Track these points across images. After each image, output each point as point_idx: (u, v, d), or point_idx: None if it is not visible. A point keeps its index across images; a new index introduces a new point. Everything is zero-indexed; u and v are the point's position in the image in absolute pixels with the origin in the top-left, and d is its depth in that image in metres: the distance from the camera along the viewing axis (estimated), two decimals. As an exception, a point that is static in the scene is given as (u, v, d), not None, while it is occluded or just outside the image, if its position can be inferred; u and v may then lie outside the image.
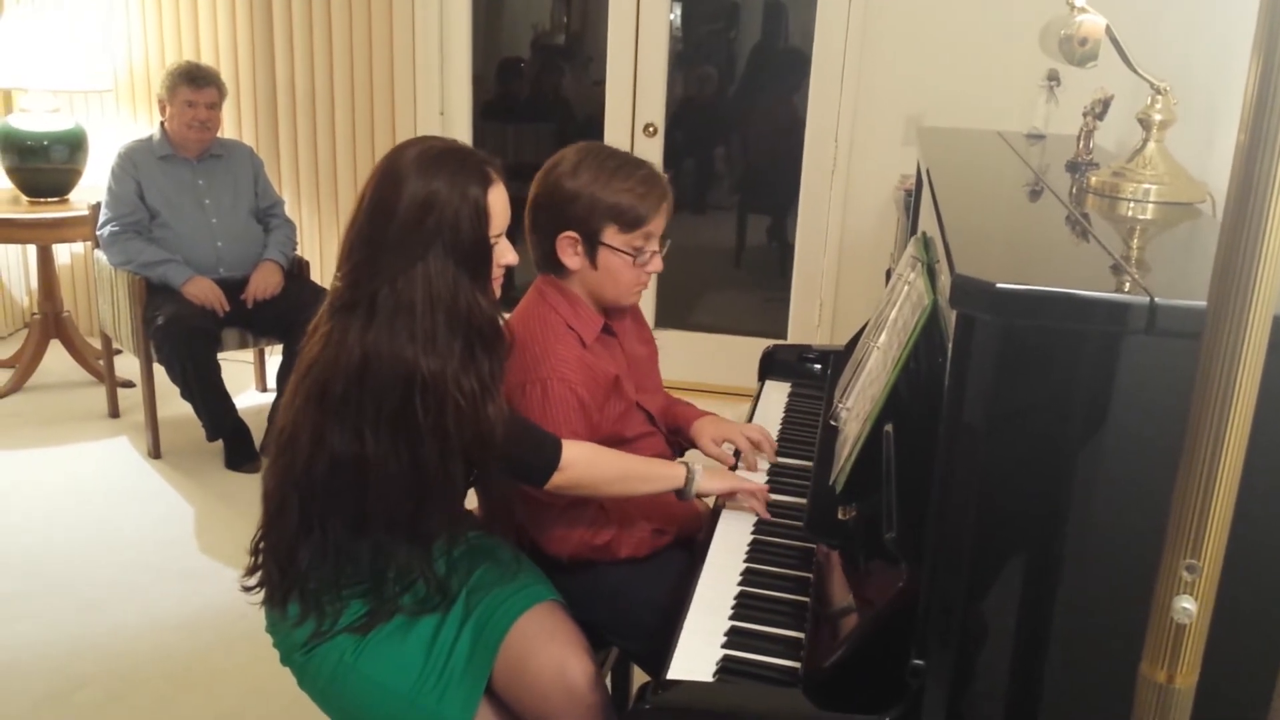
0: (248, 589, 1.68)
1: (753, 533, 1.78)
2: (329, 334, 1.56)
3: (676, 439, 2.09)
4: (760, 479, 1.93)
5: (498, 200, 1.59)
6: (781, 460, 2.03)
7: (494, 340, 1.59)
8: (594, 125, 4.48)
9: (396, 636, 1.63)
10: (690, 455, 2.03)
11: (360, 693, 1.62)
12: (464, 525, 1.76)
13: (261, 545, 1.66)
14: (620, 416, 1.87)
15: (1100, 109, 2.06)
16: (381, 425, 1.53)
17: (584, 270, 1.81)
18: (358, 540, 1.60)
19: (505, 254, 1.63)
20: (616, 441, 1.85)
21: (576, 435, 1.73)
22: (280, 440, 1.60)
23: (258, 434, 3.77)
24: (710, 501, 1.94)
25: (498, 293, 1.65)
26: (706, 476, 1.80)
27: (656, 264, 1.84)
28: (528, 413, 1.72)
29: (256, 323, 3.73)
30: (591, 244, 1.79)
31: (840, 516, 1.65)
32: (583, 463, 1.69)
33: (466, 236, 1.54)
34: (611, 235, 1.78)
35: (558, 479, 1.66)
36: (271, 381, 4.28)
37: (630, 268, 1.81)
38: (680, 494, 1.79)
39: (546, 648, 1.62)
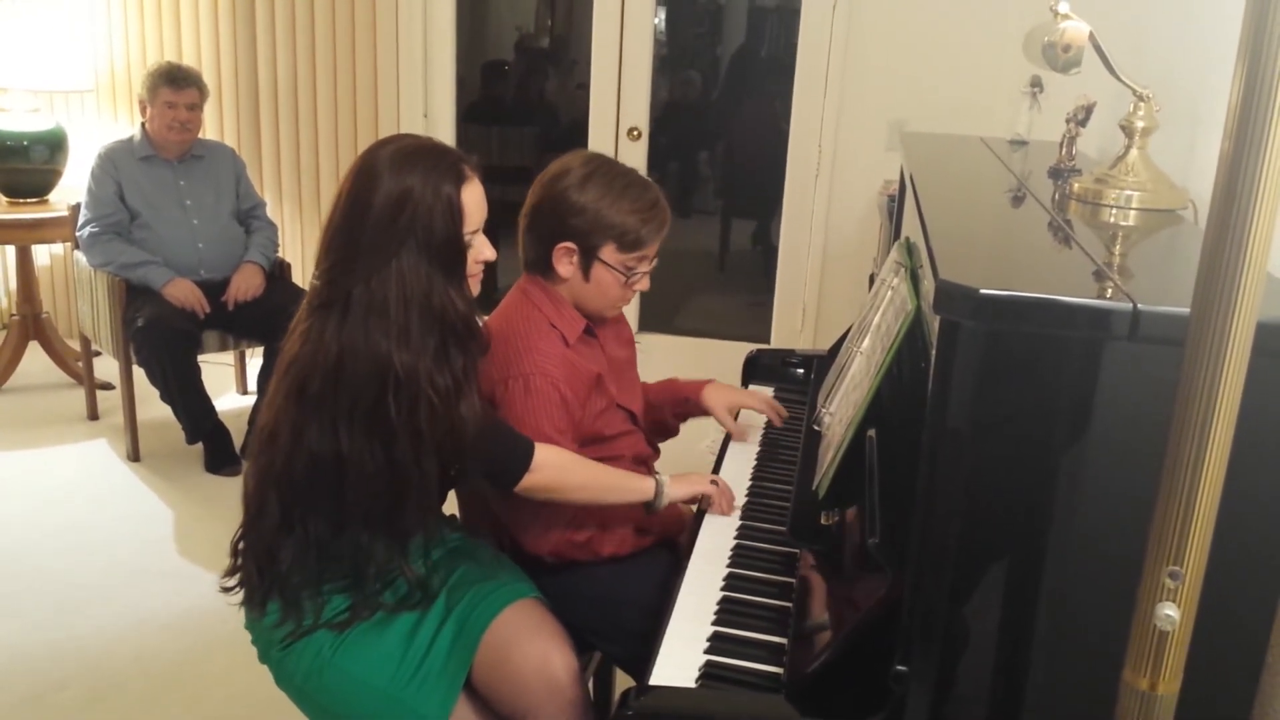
0: (227, 589, 1.67)
1: (736, 537, 1.78)
2: (307, 331, 1.57)
3: (686, 410, 2.12)
4: (740, 498, 1.92)
5: (472, 197, 1.59)
6: (764, 465, 2.03)
7: (467, 338, 1.59)
8: (578, 129, 4.47)
9: (375, 631, 1.62)
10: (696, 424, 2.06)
11: (337, 688, 1.61)
12: (441, 524, 1.76)
13: (241, 545, 1.66)
14: (600, 414, 1.87)
15: (1083, 115, 2.07)
16: (356, 422, 1.53)
17: (574, 280, 1.82)
18: (338, 538, 1.60)
19: (483, 250, 1.64)
20: (596, 439, 1.85)
21: (559, 431, 1.73)
22: (261, 438, 1.60)
23: (238, 437, 3.74)
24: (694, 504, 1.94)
25: (476, 289, 1.65)
26: (674, 484, 1.82)
27: (644, 284, 1.87)
28: (510, 408, 1.72)
29: (237, 325, 3.71)
30: (588, 258, 1.80)
31: (823, 521, 1.65)
32: (553, 466, 1.69)
33: (440, 234, 1.54)
34: (609, 253, 1.80)
35: (528, 480, 1.66)
36: (252, 384, 4.26)
37: (620, 286, 1.83)
38: (649, 507, 1.81)
39: (530, 641, 1.62)
